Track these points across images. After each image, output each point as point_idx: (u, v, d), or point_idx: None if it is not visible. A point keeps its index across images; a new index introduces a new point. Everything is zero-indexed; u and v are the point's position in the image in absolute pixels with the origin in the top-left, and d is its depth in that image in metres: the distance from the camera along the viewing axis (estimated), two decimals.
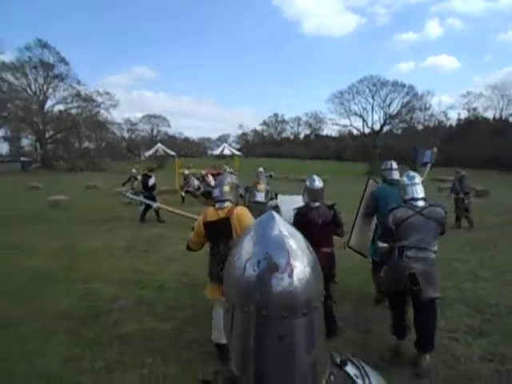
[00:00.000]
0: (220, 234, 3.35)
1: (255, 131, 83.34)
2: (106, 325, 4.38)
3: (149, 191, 11.81)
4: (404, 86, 51.10)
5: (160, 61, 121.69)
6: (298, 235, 0.78)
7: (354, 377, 0.79)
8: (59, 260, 7.03)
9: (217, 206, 3.45)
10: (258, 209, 4.27)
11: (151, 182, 12.06)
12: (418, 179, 3.67)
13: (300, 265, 0.71)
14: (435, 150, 6.67)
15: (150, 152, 26.00)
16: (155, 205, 5.42)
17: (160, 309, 4.82)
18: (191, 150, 72.71)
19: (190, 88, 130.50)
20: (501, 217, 12.19)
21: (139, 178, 14.21)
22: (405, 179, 3.71)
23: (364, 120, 54.27)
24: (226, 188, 3.47)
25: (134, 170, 15.15)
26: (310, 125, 75.72)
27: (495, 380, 3.28)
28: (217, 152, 28.96)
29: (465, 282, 5.78)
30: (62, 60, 47.61)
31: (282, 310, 0.68)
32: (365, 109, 53.60)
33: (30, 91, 47.28)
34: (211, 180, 15.51)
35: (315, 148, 65.19)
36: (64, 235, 9.24)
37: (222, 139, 77.92)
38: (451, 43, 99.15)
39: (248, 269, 0.71)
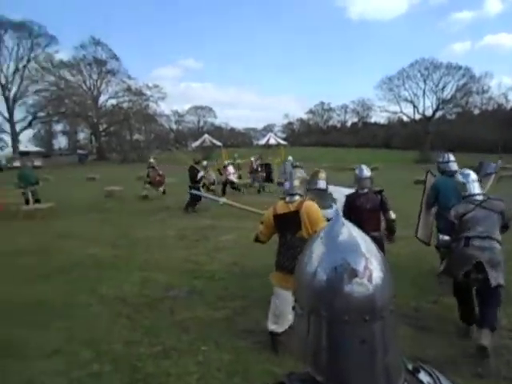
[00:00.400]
0: (289, 226, 3.53)
1: (301, 120, 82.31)
2: (161, 312, 4.58)
3: (196, 183, 12.08)
4: (459, 68, 48.28)
5: (206, 52, 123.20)
6: (367, 238, 0.78)
7: None
8: (117, 248, 7.42)
9: (287, 199, 3.63)
10: (319, 196, 4.53)
11: (200, 175, 12.28)
12: (473, 176, 3.82)
13: (376, 268, 0.72)
14: (500, 162, 6.87)
15: (197, 143, 26.46)
16: (221, 200, 5.27)
17: (211, 298, 4.96)
18: (237, 140, 73.23)
19: (236, 78, 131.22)
20: None
21: (156, 167, 14.89)
22: (460, 177, 3.88)
23: (415, 106, 52.04)
24: (297, 182, 3.66)
25: (151, 160, 15.51)
26: (358, 112, 73.65)
27: None
28: (262, 142, 28.93)
29: None
30: (114, 56, 49.70)
31: (363, 314, 0.70)
32: (415, 94, 51.36)
33: (84, 87, 49.79)
34: (231, 172, 15.99)
35: (363, 136, 63.37)
36: (120, 224, 9.72)
37: (268, 129, 77.71)
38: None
39: (321, 274, 0.72)
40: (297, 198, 3.60)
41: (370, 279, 0.70)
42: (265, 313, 4.40)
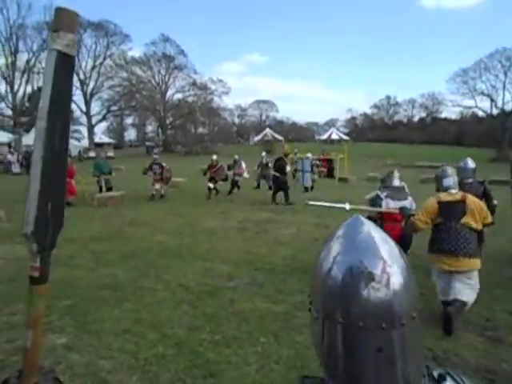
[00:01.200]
0: (454, 213, 4.02)
1: (365, 115, 79.92)
2: (222, 301, 4.70)
3: (283, 175, 11.96)
4: None
5: (270, 46, 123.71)
6: (390, 240, 0.73)
7: None
8: (182, 237, 7.73)
9: (449, 191, 4.13)
10: (396, 191, 5.38)
11: (288, 168, 12.22)
12: None
13: (396, 273, 0.67)
14: None
15: (259, 137, 26.83)
16: (347, 207, 4.57)
17: (271, 291, 4.99)
18: (298, 134, 72.84)
19: (300, 71, 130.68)
20: None
21: (164, 165, 13.20)
22: None
23: (492, 100, 48.18)
24: (455, 178, 4.24)
25: (214, 157, 13.74)
26: (426, 107, 69.97)
27: None
28: (324, 137, 28.65)
29: None
30: (181, 52, 51.54)
31: (380, 321, 0.65)
32: (494, 87, 47.54)
33: (153, 82, 52.23)
34: (243, 168, 14.48)
35: (431, 132, 60.04)
36: (184, 215, 10.12)
37: (330, 124, 76.64)
38: None
39: (335, 275, 0.69)
40: (456, 191, 4.13)
41: (387, 284, 0.66)
42: None
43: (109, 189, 12.82)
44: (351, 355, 0.69)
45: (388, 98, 75.92)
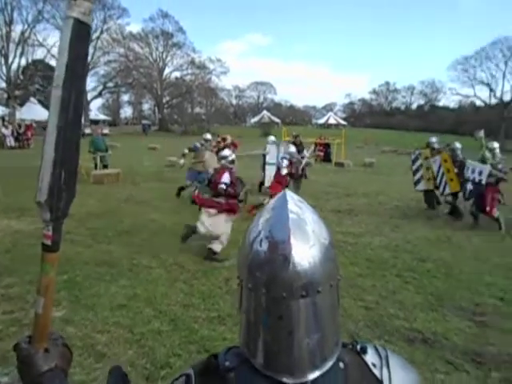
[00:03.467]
0: None
1: (363, 100, 79.45)
2: (217, 280, 4.75)
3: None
4: None
5: (275, 26, 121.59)
6: (312, 216, 0.75)
7: (372, 366, 0.74)
8: (177, 216, 7.73)
9: None
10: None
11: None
12: None
13: (303, 245, 0.69)
14: None
15: (256, 119, 26.71)
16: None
17: None
18: (296, 117, 72.38)
19: (303, 54, 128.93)
20: None
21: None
22: None
23: (491, 89, 48.04)
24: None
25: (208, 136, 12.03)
26: (425, 94, 69.60)
27: None
28: (322, 121, 28.51)
29: None
30: (180, 29, 50.62)
31: (280, 290, 0.67)
32: (494, 76, 47.35)
33: (151, 59, 51.40)
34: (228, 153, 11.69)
35: (430, 120, 59.90)
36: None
37: (328, 108, 76.08)
38: None
39: (254, 246, 0.72)
40: None
41: (289, 256, 0.67)
42: None
43: (105, 166, 12.72)
44: (256, 321, 0.72)
45: (387, 83, 75.33)
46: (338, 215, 8.42)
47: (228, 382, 0.70)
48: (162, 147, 24.35)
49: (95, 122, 44.37)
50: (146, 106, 66.81)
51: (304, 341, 0.69)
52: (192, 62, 52.04)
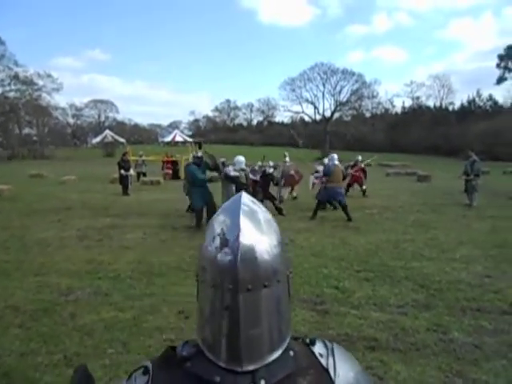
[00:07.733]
0: None
1: (207, 117, 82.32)
2: (62, 317, 4.24)
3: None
4: (353, 74, 52.70)
5: (115, 44, 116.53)
6: (263, 214, 0.79)
7: (319, 355, 0.81)
8: (8, 252, 6.67)
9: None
10: None
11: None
12: None
13: (251, 242, 0.73)
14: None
15: (98, 139, 25.03)
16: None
17: (118, 298, 4.74)
18: (141, 136, 70.51)
19: (146, 72, 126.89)
20: (441, 199, 13.13)
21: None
22: None
23: (315, 107, 55.38)
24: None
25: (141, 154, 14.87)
26: (263, 111, 76.01)
27: (439, 348, 3.57)
28: (168, 139, 28.26)
29: (412, 261, 6.20)
30: None
31: (227, 282, 0.72)
32: (316, 96, 54.75)
33: None
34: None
35: (269, 134, 65.52)
36: (11, 227, 8.75)
37: (174, 126, 76.35)
38: (397, 35, 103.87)
39: (209, 243, 0.76)
40: None
41: (236, 250, 0.72)
42: (174, 309, 4.37)
43: None
44: (207, 313, 0.75)
45: (228, 101, 79.84)
46: None
47: (184, 371, 0.73)
48: None
49: None
50: None
51: (250, 332, 0.72)
52: (16, 77, 45.97)
